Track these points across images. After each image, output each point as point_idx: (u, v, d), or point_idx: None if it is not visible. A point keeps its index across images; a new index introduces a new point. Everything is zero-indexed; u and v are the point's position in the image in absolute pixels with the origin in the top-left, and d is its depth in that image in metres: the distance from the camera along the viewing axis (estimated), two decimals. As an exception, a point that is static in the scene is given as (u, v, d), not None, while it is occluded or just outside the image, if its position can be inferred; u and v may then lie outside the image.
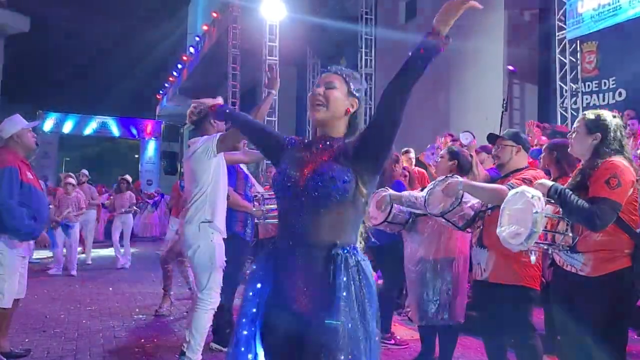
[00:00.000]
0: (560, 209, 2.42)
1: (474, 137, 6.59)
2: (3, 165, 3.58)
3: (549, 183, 2.52)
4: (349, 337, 1.65)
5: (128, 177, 10.16)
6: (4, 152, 3.71)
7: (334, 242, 1.76)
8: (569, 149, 2.81)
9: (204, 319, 3.54)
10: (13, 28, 20.69)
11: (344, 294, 1.68)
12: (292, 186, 1.82)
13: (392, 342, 4.50)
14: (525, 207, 2.42)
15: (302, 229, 1.78)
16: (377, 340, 1.75)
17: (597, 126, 2.59)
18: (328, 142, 1.90)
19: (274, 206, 4.77)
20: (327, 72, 1.95)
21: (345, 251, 1.75)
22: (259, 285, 1.84)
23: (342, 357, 1.63)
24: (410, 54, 1.73)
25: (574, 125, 2.73)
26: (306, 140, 2.00)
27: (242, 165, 4.53)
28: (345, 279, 1.70)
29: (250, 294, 1.83)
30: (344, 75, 1.93)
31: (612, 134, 2.57)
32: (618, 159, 2.50)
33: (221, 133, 3.58)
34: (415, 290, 3.79)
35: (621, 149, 2.56)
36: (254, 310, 1.81)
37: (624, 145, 2.60)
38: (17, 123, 3.80)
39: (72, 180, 8.61)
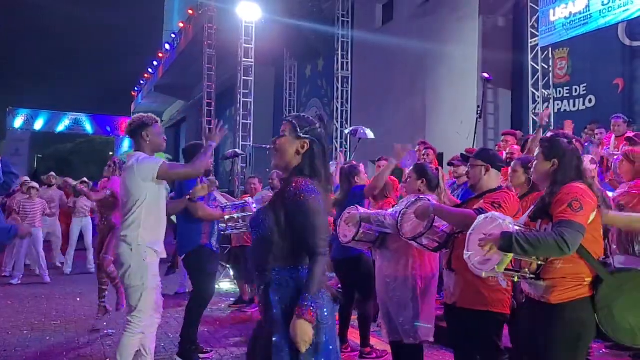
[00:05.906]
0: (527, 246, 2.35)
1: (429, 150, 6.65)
2: None
3: (498, 240, 2.34)
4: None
5: (86, 179, 9.85)
6: None
7: (267, 265, 2.11)
8: None
9: (130, 344, 3.32)
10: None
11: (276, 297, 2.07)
12: None
13: (374, 355, 4.49)
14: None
15: (252, 253, 2.21)
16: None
17: (554, 153, 2.58)
18: (281, 184, 2.21)
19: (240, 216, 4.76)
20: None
21: (274, 272, 2.09)
22: None
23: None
24: None
25: (535, 152, 2.72)
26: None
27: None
28: (277, 298, 2.06)
29: None
30: (292, 121, 2.20)
31: (567, 161, 2.55)
32: (577, 184, 2.49)
33: (171, 164, 3.44)
34: (383, 306, 3.78)
35: (579, 175, 2.55)
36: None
37: (582, 171, 2.58)
38: None
39: (36, 185, 8.36)
